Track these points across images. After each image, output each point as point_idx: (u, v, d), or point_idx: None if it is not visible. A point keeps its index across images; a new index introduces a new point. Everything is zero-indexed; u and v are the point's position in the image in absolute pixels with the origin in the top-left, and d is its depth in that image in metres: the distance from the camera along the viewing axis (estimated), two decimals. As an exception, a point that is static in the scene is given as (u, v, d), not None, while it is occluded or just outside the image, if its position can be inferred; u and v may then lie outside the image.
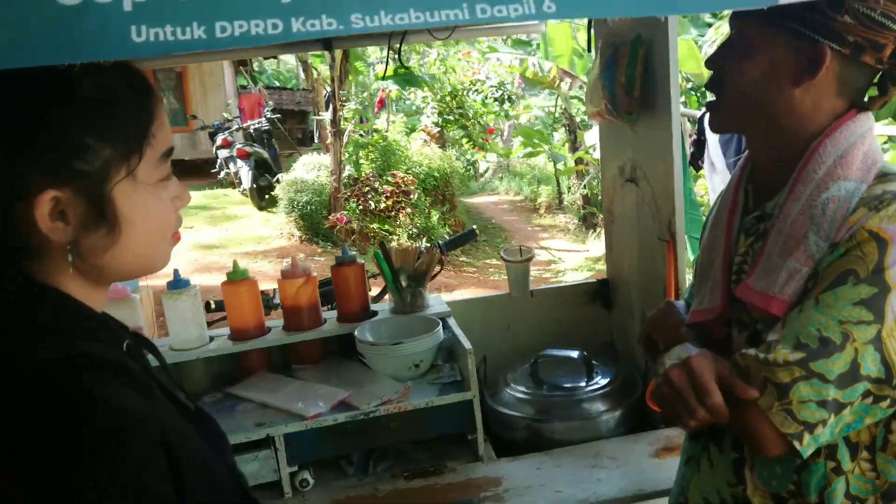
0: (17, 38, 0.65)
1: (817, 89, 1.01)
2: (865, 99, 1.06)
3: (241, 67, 14.58)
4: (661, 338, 1.27)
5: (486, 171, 15.46)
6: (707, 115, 1.16)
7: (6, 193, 0.69)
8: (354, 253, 2.03)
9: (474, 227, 2.70)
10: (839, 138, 1.01)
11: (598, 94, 1.84)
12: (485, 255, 9.78)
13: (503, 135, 15.29)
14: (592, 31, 2.02)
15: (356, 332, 1.89)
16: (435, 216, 9.15)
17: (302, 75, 15.33)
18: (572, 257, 8.78)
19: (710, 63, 1.10)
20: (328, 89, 8.59)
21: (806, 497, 1.00)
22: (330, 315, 2.06)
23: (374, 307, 2.10)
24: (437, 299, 2.12)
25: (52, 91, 0.70)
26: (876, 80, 1.04)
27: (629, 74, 1.74)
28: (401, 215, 8.52)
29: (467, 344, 1.79)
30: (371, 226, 8.33)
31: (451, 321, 1.97)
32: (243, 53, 2.31)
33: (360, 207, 8.29)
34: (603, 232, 2.26)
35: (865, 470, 1.00)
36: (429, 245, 2.42)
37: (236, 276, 1.92)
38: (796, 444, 0.92)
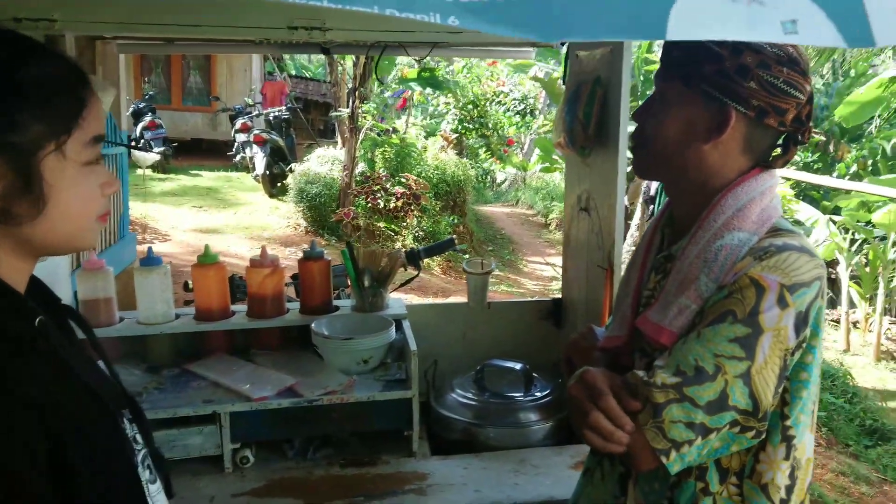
0: None
1: (725, 147, 1.12)
2: (771, 158, 1.18)
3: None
4: (578, 360, 1.39)
5: (503, 181, 15.57)
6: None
7: None
8: (322, 249, 2.16)
9: (453, 236, 2.82)
10: (740, 193, 1.13)
11: (560, 126, 1.96)
12: (488, 264, 9.89)
13: (523, 148, 15.40)
14: (568, 65, 2.13)
15: (313, 325, 2.01)
16: (443, 221, 9.28)
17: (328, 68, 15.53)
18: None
19: (636, 116, 1.21)
20: (350, 85, 8.73)
21: None
22: (295, 306, 2.18)
23: (337, 303, 2.22)
24: (398, 302, 2.24)
25: None
26: (780, 141, 1.16)
27: (587, 112, 1.85)
28: (408, 217, 8.65)
29: (414, 345, 1.91)
30: (378, 224, 8.46)
31: (406, 324, 2.09)
32: (254, 49, 2.43)
33: (369, 205, 8.43)
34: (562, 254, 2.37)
35: (732, 494, 1.10)
36: (405, 250, 2.53)
37: (206, 260, 2.05)
38: (663, 458, 1.03)
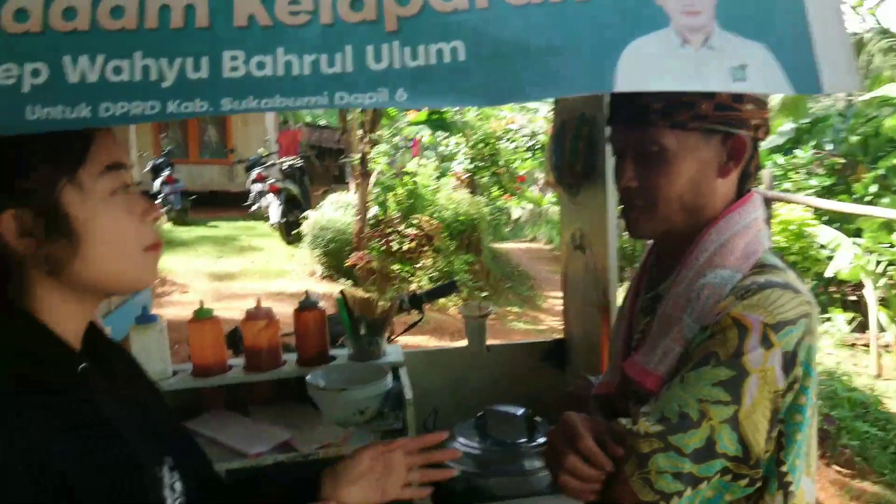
0: None
1: (733, 175, 1.10)
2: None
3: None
4: (574, 411, 1.35)
5: (518, 218, 15.55)
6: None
7: None
8: (316, 299, 2.14)
9: (455, 279, 2.81)
10: (723, 228, 1.09)
11: (549, 164, 1.94)
12: (507, 301, 9.82)
13: (538, 182, 15.42)
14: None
15: (308, 377, 1.98)
16: (458, 261, 9.26)
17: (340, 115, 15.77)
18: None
19: (634, 180, 1.11)
20: (361, 131, 8.82)
21: None
22: (292, 357, 2.16)
23: (335, 352, 2.19)
24: (395, 349, 2.21)
25: None
26: None
27: (573, 149, 1.83)
28: (422, 258, 8.65)
29: (409, 394, 1.87)
30: (392, 267, 8.46)
31: (403, 371, 2.06)
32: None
33: (383, 248, 8.44)
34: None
35: None
36: (408, 295, 2.51)
37: (201, 315, 2.04)
38: None
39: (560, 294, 2.25)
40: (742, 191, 1.14)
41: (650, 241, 1.29)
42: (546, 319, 8.96)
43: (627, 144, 1.11)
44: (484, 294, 9.26)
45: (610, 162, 1.77)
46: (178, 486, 0.94)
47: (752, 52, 0.87)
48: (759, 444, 0.97)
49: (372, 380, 1.95)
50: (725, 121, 1.05)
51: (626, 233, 1.19)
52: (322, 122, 18.53)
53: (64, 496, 0.75)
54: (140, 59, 0.86)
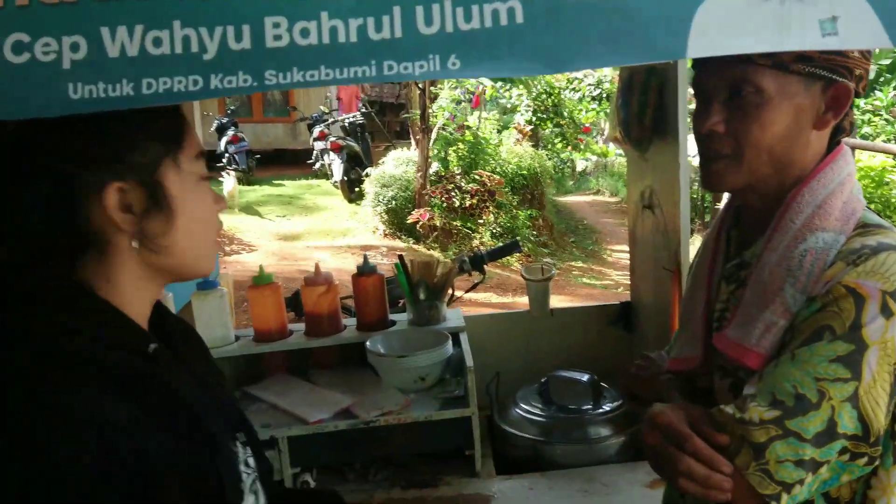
0: None
1: (828, 129, 1.00)
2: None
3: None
4: (643, 392, 1.28)
5: (583, 169, 15.23)
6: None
7: (79, 191, 0.79)
8: (373, 265, 2.11)
9: (517, 239, 2.72)
10: (816, 187, 1.00)
11: (615, 119, 1.84)
12: (571, 256, 9.70)
13: (603, 133, 15.04)
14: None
15: (368, 343, 1.97)
16: (521, 216, 9.16)
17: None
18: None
19: (714, 123, 1.00)
20: (420, 86, 8.72)
21: None
22: (353, 322, 2.15)
23: (395, 317, 2.17)
24: (455, 313, 2.17)
25: None
26: None
27: (641, 103, 1.72)
28: (484, 214, 8.59)
29: (470, 361, 1.83)
30: (454, 223, 8.43)
31: (463, 337, 2.02)
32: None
33: (444, 204, 8.41)
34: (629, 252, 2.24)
35: None
36: (469, 255, 2.46)
37: (261, 281, 2.04)
38: None
39: (626, 248, 2.15)
40: (831, 146, 1.04)
41: (722, 204, 1.20)
42: (611, 274, 8.82)
43: (717, 85, 1.00)
44: (547, 249, 9.16)
45: (682, 116, 1.66)
46: (251, 461, 0.93)
47: (844, 1, 0.77)
48: (878, 419, 0.90)
49: (432, 346, 1.92)
50: (831, 66, 0.94)
51: (701, 185, 1.09)
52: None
53: (145, 477, 0.73)
54: (180, 29, 0.82)
